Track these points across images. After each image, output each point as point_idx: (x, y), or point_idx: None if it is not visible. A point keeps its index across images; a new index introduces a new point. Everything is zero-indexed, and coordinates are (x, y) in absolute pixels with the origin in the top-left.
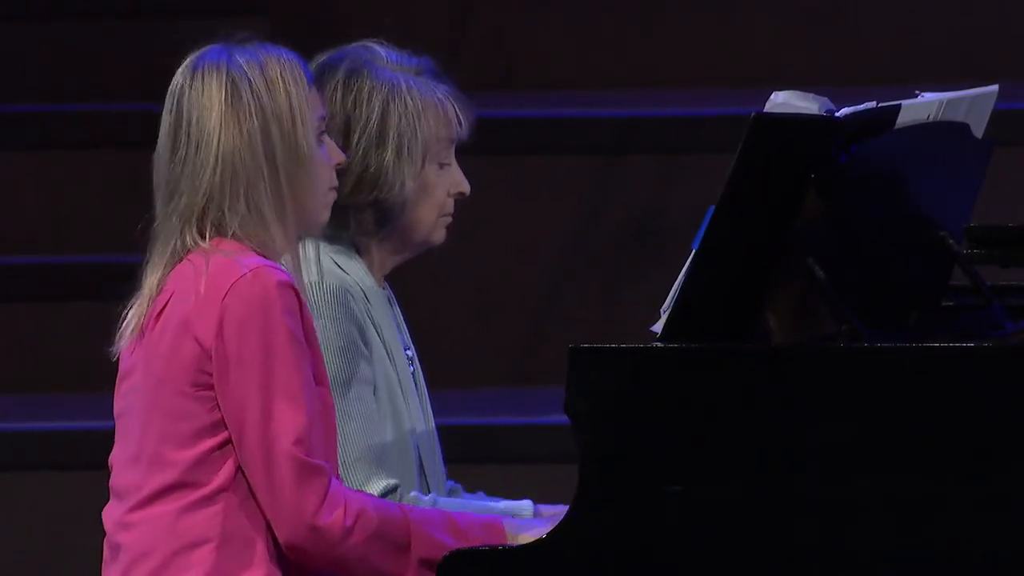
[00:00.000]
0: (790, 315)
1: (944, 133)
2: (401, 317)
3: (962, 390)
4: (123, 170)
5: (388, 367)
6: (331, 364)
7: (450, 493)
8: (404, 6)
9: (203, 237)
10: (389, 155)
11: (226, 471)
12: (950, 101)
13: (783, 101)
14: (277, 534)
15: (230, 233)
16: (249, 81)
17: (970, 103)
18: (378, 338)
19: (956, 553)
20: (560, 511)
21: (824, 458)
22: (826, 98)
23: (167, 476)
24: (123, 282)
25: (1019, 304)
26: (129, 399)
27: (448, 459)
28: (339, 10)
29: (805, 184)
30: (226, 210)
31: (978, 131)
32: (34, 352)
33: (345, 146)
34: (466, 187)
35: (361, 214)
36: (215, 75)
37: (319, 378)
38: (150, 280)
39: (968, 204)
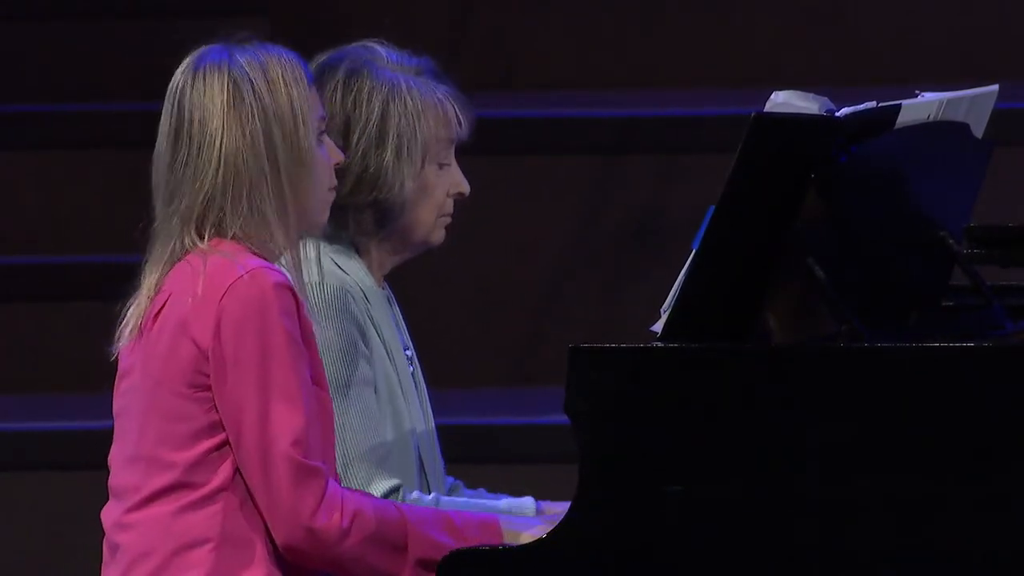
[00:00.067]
0: (790, 315)
1: (944, 133)
2: (400, 317)
3: (962, 390)
4: (123, 170)
5: (388, 367)
6: (331, 365)
7: (451, 490)
8: (404, 6)
9: (202, 238)
10: (389, 155)
11: (224, 472)
12: (950, 101)
13: (783, 101)
14: (274, 535)
15: (230, 234)
16: (251, 82)
17: (970, 103)
18: (378, 338)
19: (956, 553)
20: (562, 508)
21: (824, 458)
22: (826, 98)
23: (166, 477)
24: (123, 282)
25: (1019, 304)
26: (127, 399)
27: (448, 459)
28: (339, 10)
29: (805, 184)
30: (228, 211)
31: (978, 131)
32: (34, 352)
33: (345, 146)
34: (466, 187)
35: (360, 214)
36: (217, 76)
37: (317, 379)
38: (148, 280)
39: (968, 204)
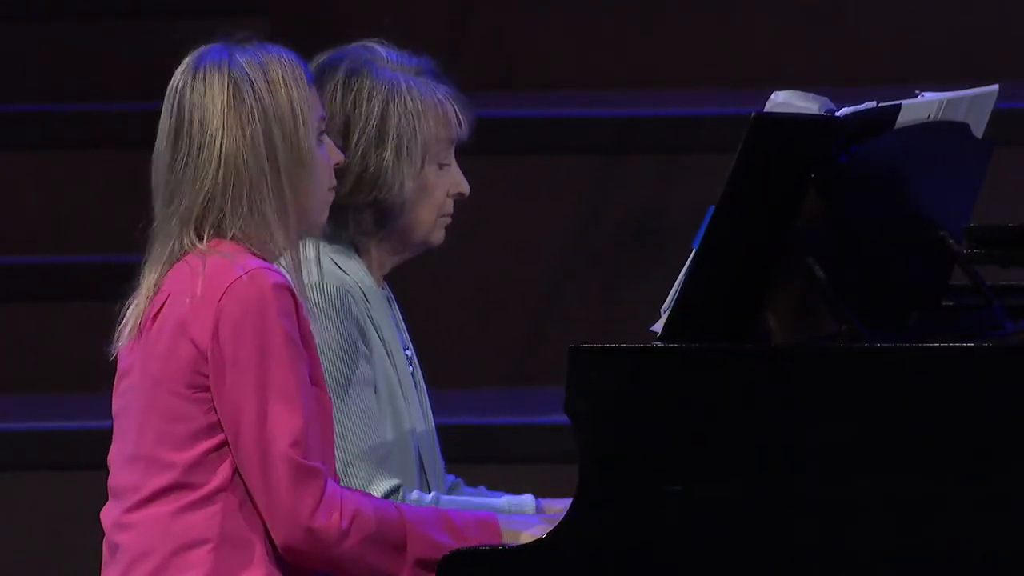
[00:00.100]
0: (790, 315)
1: (944, 133)
2: (400, 317)
3: (962, 390)
4: (123, 170)
5: (388, 367)
6: (331, 365)
7: (451, 488)
8: (404, 6)
9: (201, 239)
10: (388, 155)
11: (224, 472)
12: (950, 101)
13: (783, 101)
14: (273, 536)
15: (230, 235)
16: (251, 82)
17: (970, 103)
18: (378, 338)
19: (956, 553)
20: (562, 505)
21: (824, 458)
22: (826, 98)
23: (165, 477)
24: (123, 282)
25: (1019, 304)
26: (126, 399)
27: (448, 459)
28: (339, 10)
29: (805, 184)
30: (227, 212)
31: (978, 131)
32: (34, 352)
33: (344, 146)
34: (466, 188)
35: (360, 214)
36: (217, 76)
37: (316, 380)
38: (148, 280)
39: (968, 204)
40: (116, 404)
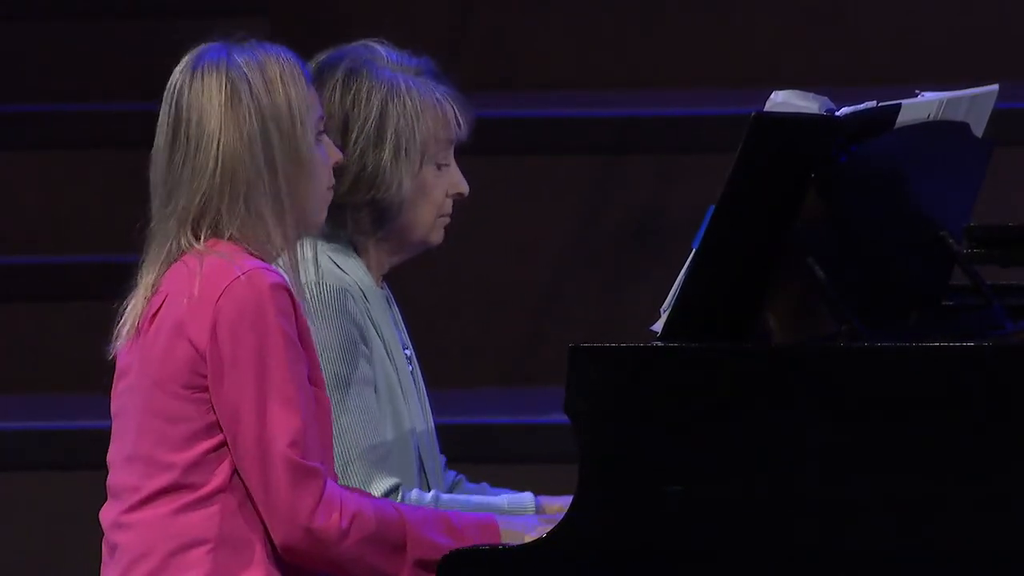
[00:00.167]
0: (790, 315)
1: (944, 133)
2: (399, 317)
3: (962, 390)
4: (123, 170)
5: (388, 367)
6: (330, 364)
7: (453, 485)
8: (404, 6)
9: (198, 239)
10: (387, 155)
11: (223, 473)
12: (950, 101)
13: (783, 101)
14: (273, 536)
15: (227, 235)
16: (248, 82)
17: (970, 103)
18: (377, 338)
19: (956, 553)
20: (561, 503)
21: (824, 458)
22: (826, 98)
23: (164, 478)
24: (123, 282)
25: (1019, 304)
26: (125, 399)
27: (448, 459)
28: (339, 10)
29: (805, 184)
30: (224, 212)
31: (978, 131)
32: (34, 352)
33: (343, 145)
34: (464, 188)
35: (358, 213)
36: (215, 75)
37: (314, 380)
38: (145, 280)
39: (968, 204)
40: (114, 404)
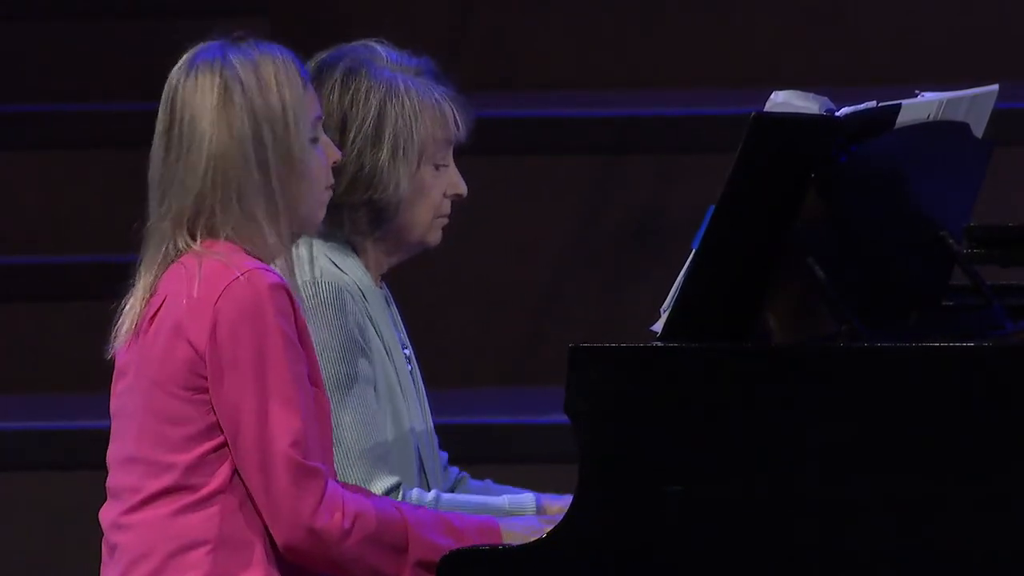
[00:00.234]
0: (790, 315)
1: (944, 133)
2: (399, 316)
3: (962, 390)
4: (123, 170)
5: (387, 366)
6: (330, 364)
7: (457, 482)
8: (404, 6)
9: (194, 239)
10: (384, 155)
11: (223, 474)
12: (950, 101)
13: (783, 101)
14: (275, 536)
15: (222, 235)
16: (242, 82)
17: (970, 103)
18: (377, 337)
19: (956, 553)
20: (562, 502)
21: (824, 458)
22: (826, 98)
23: (164, 479)
24: (123, 282)
25: (1019, 304)
26: (124, 399)
27: (448, 459)
28: (339, 10)
29: (805, 184)
30: (218, 212)
31: (978, 131)
32: (34, 352)
33: (341, 144)
34: (463, 189)
35: (355, 213)
36: (209, 75)
37: (314, 380)
38: (144, 281)
39: (968, 204)
40: (114, 404)
